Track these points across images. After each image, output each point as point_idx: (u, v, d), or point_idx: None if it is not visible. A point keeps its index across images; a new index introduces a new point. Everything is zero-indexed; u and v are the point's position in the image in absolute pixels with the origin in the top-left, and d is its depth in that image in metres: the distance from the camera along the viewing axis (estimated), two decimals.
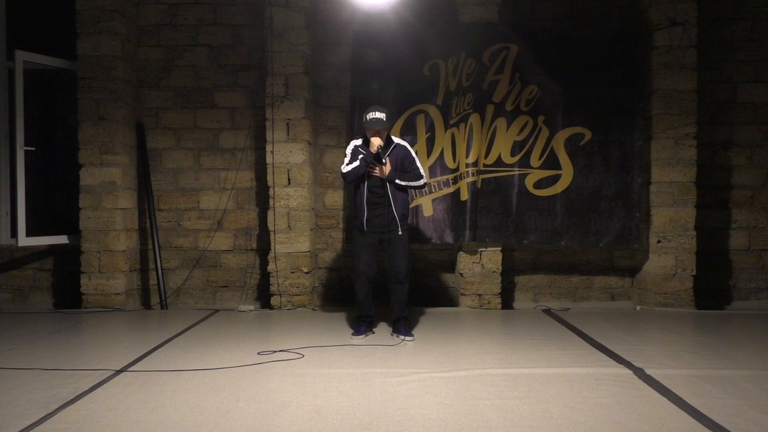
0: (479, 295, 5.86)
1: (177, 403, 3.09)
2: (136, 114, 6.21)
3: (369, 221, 4.45)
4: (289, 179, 5.83)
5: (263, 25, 5.86)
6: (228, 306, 6.15)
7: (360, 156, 4.39)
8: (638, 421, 2.82)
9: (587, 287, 6.31)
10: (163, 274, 6.12)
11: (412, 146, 5.74)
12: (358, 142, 4.53)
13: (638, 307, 5.91)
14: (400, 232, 4.46)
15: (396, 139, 4.59)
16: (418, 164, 4.59)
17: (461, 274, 5.90)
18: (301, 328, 4.96)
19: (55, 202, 6.39)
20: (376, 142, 4.35)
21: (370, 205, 4.44)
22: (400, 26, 5.90)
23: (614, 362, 3.83)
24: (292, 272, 5.83)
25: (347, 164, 4.44)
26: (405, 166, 4.51)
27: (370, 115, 4.37)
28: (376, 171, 4.40)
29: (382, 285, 4.79)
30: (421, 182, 4.57)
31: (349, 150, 4.53)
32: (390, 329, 4.70)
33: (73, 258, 6.00)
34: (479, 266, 5.87)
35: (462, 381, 3.44)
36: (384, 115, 4.37)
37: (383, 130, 4.39)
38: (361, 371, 3.65)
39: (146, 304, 6.27)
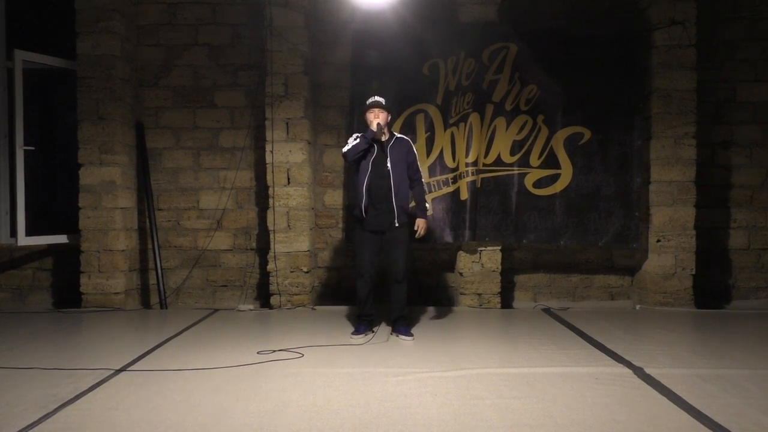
0: (479, 294, 5.86)
1: (176, 403, 3.09)
2: (136, 113, 6.21)
3: (368, 210, 4.46)
4: (288, 179, 5.82)
5: (263, 25, 5.86)
6: (227, 305, 6.15)
7: (360, 134, 4.51)
8: (638, 421, 2.82)
9: (587, 286, 6.31)
10: (162, 273, 6.12)
11: None
12: (360, 133, 4.59)
13: (638, 307, 5.91)
14: (397, 224, 4.46)
15: (398, 134, 4.69)
16: (418, 164, 4.68)
17: (461, 274, 5.90)
18: (301, 328, 4.96)
19: (55, 202, 6.38)
20: (376, 120, 4.46)
21: (370, 193, 4.45)
22: (400, 26, 5.90)
23: (614, 361, 3.84)
24: (291, 272, 5.83)
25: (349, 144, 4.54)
26: (409, 163, 4.56)
27: (370, 100, 4.58)
28: (421, 230, 4.60)
29: (383, 284, 4.79)
30: (424, 184, 4.75)
31: (351, 139, 4.59)
32: (390, 328, 4.70)
33: (73, 257, 5.99)
34: (479, 265, 5.87)
35: (461, 380, 3.44)
36: (383, 99, 4.56)
37: (382, 111, 4.51)
38: (360, 371, 3.65)
39: (146, 304, 6.27)
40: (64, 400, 3.13)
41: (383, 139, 4.50)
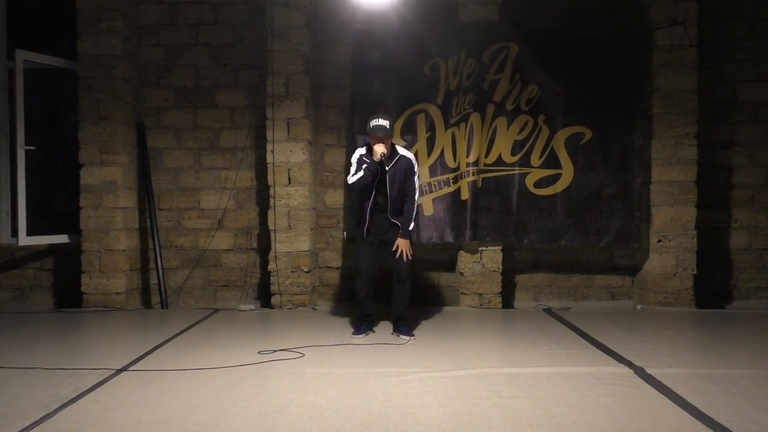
0: (480, 294, 5.86)
1: (177, 403, 3.09)
2: (137, 113, 6.21)
3: (369, 229, 4.48)
4: (289, 178, 5.83)
5: (264, 25, 5.86)
6: (228, 305, 6.15)
7: (364, 166, 4.35)
8: (639, 420, 2.82)
9: (588, 286, 6.31)
10: (163, 273, 6.12)
11: (411, 146, 5.78)
12: (363, 151, 4.49)
13: (639, 307, 5.91)
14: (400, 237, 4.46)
15: (401, 150, 4.53)
16: (416, 180, 4.52)
17: (462, 274, 5.90)
18: (302, 328, 4.96)
19: (56, 202, 6.38)
20: (379, 150, 4.31)
21: (373, 215, 4.45)
22: (401, 25, 5.89)
23: (615, 361, 3.84)
24: (292, 271, 5.83)
25: (353, 174, 4.42)
26: (407, 178, 4.45)
27: (374, 122, 4.34)
28: (404, 249, 4.43)
29: (383, 284, 4.78)
30: (415, 203, 4.53)
31: (354, 159, 4.48)
32: (390, 328, 4.70)
33: (74, 257, 5.99)
34: (480, 265, 5.87)
35: (462, 380, 3.44)
36: (388, 122, 4.35)
37: (386, 137, 4.35)
38: (361, 370, 3.65)
39: (147, 304, 6.27)
40: (65, 399, 3.13)
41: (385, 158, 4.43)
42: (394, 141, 5.78)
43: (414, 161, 4.54)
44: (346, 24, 6.13)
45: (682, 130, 5.71)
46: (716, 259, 6.20)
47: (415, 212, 4.52)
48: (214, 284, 6.35)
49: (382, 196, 4.44)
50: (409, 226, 4.48)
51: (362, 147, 4.56)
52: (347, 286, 6.20)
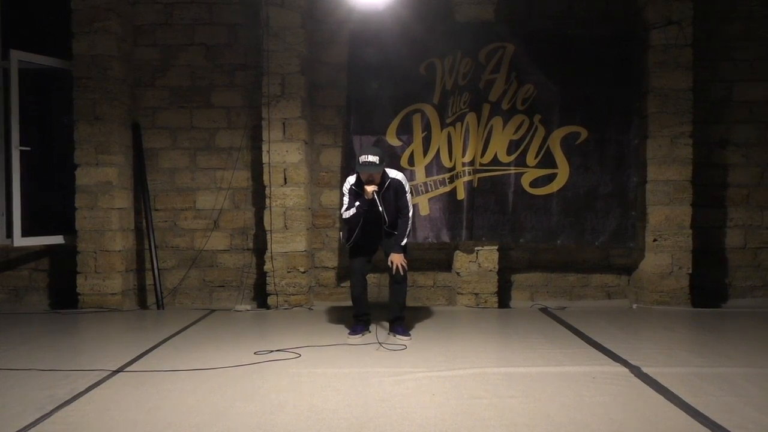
0: (476, 293, 5.87)
1: (174, 404, 3.09)
2: (132, 114, 6.19)
3: (363, 237, 4.49)
4: (285, 179, 5.82)
5: (259, 25, 5.85)
6: (225, 306, 6.14)
7: (357, 204, 4.34)
8: (635, 419, 2.83)
9: (584, 286, 6.32)
10: (159, 274, 6.11)
11: (408, 145, 5.79)
12: (353, 180, 4.46)
13: (635, 306, 5.92)
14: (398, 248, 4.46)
15: (391, 173, 4.47)
16: (408, 198, 4.49)
17: (458, 273, 5.91)
18: (298, 328, 4.95)
19: (51, 202, 6.36)
20: (370, 189, 4.27)
21: (364, 231, 4.45)
22: (397, 25, 5.89)
23: (611, 360, 3.84)
24: (288, 272, 5.82)
25: (346, 209, 4.42)
26: (397, 198, 4.44)
27: (363, 158, 4.25)
28: (398, 263, 4.40)
29: (379, 285, 4.78)
30: (409, 219, 4.49)
31: (345, 189, 4.47)
32: (387, 329, 4.70)
33: (70, 258, 5.97)
34: (476, 265, 5.87)
35: (459, 380, 3.45)
36: (377, 158, 4.25)
37: (377, 174, 4.31)
38: (357, 371, 3.65)
39: (143, 304, 6.26)
40: (61, 401, 3.12)
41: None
42: (390, 141, 5.81)
43: (403, 181, 4.48)
44: (342, 24, 6.13)
45: (678, 130, 5.73)
46: (712, 257, 6.22)
47: (409, 228, 4.49)
48: (210, 285, 6.34)
49: (377, 220, 4.38)
50: (402, 241, 4.45)
51: (352, 176, 4.51)
52: (343, 286, 6.20)
